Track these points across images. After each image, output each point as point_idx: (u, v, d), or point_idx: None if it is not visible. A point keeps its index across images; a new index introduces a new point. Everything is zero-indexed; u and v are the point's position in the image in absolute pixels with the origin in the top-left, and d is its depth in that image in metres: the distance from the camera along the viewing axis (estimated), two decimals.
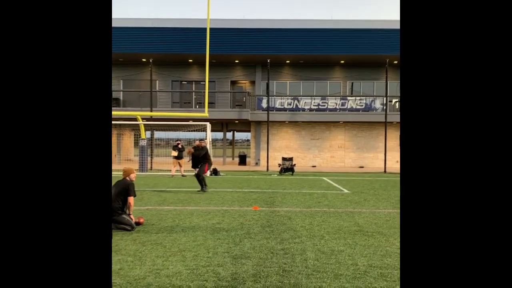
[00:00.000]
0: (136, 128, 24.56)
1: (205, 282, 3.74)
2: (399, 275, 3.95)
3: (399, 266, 4.28)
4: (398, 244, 5.21)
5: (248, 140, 53.59)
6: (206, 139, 11.30)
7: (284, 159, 17.35)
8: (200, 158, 11.53)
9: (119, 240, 5.30)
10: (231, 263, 4.34)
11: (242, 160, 23.33)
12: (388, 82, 20.50)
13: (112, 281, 3.70)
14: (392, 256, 4.68)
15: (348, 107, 21.25)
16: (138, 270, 4.08)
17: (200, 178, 10.59)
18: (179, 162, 15.24)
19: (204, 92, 19.42)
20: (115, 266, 4.16)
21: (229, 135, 28.69)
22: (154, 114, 18.50)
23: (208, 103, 19.22)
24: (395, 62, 20.70)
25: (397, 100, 21.95)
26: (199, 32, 19.32)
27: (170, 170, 15.88)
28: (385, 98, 20.20)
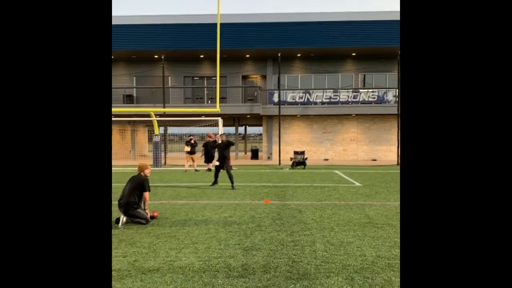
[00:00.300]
0: (149, 124, 24.91)
1: (216, 272, 3.88)
2: None
3: None
4: None
5: (260, 134, 53.72)
6: (219, 134, 11.45)
7: (296, 152, 17.41)
8: (214, 153, 11.47)
9: (134, 233, 5.49)
10: (242, 254, 4.48)
11: (254, 154, 23.46)
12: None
13: (128, 272, 3.88)
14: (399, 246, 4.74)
15: (360, 99, 21.13)
16: (152, 261, 4.25)
17: (227, 174, 10.56)
18: (192, 157, 15.45)
19: (215, 87, 19.62)
20: (130, 258, 4.34)
21: (241, 129, 28.82)
22: (167, 110, 18.74)
23: (220, 98, 19.38)
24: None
25: None
26: (210, 27, 19.42)
27: (183, 165, 16.10)
28: (397, 90, 20.03)
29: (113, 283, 3.58)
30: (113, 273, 3.84)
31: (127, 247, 4.81)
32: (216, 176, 10.83)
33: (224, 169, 10.37)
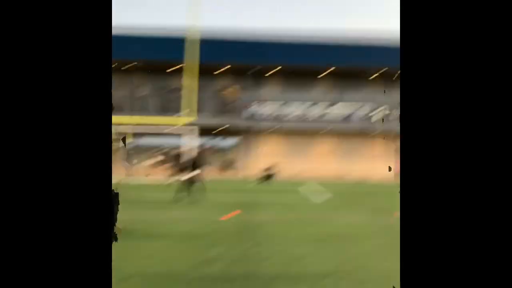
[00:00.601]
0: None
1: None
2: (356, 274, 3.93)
3: (360, 264, 4.26)
4: (367, 248, 5.19)
5: (232, 147, 53.48)
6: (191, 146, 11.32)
7: (266, 167, 17.35)
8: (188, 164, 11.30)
9: None
10: (197, 268, 4.25)
11: (225, 167, 23.23)
12: (370, 91, 20.78)
13: None
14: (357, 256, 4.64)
15: (333, 116, 21.46)
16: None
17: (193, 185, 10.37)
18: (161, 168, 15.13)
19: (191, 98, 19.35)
20: None
21: (215, 142, 28.63)
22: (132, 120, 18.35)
23: (196, 109, 19.19)
24: (379, 73, 21.03)
25: (381, 109, 22.21)
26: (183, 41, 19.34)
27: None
28: (370, 107, 20.47)
29: None
30: None
31: None
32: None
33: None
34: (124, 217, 6.44)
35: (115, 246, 1.78)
